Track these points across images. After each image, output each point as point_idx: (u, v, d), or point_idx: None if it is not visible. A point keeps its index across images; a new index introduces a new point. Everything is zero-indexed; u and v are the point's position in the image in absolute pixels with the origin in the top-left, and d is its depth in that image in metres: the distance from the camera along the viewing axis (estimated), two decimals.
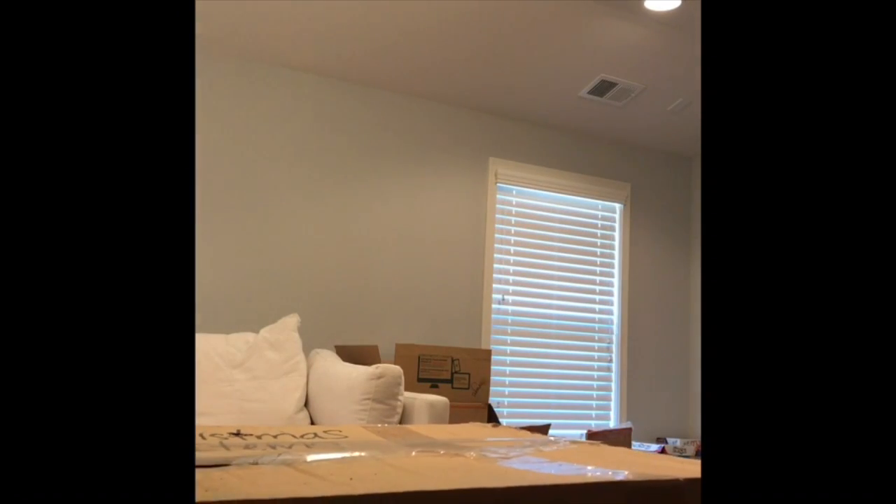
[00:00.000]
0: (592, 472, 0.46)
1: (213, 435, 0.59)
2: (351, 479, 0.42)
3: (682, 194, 4.62)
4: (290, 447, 0.55)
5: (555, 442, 0.64)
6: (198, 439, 0.57)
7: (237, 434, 0.60)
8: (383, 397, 2.43)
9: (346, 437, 0.62)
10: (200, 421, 2.63)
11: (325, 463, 0.46)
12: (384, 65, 3.51)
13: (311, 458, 0.46)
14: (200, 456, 0.50)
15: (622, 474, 0.44)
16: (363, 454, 0.47)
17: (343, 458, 0.47)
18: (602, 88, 3.79)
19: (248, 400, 2.79)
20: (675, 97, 3.90)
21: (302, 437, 0.61)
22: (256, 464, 0.45)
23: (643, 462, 0.56)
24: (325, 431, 0.64)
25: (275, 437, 0.59)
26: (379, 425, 0.84)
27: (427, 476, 0.44)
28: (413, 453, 0.50)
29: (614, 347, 4.25)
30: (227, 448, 0.54)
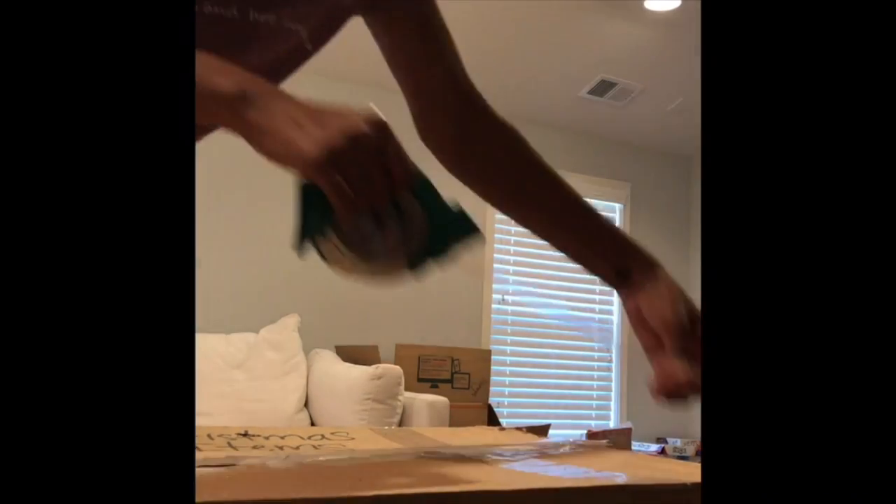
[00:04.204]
0: (598, 475, 0.46)
1: (220, 435, 0.59)
2: (359, 480, 0.42)
3: (682, 194, 4.62)
4: (297, 448, 0.55)
5: (561, 444, 0.64)
6: (205, 439, 0.57)
7: (245, 434, 0.60)
8: (383, 397, 2.43)
9: (353, 438, 0.63)
10: (200, 421, 2.62)
11: (333, 464, 0.46)
12: (384, 65, 3.51)
13: (318, 459, 0.47)
14: (207, 455, 0.50)
15: (627, 478, 0.44)
16: (370, 456, 0.47)
17: (350, 460, 0.47)
18: (602, 88, 3.79)
19: (248, 400, 2.79)
20: (675, 97, 3.90)
21: (309, 438, 0.61)
22: (264, 464, 0.45)
23: (649, 465, 0.56)
24: (332, 433, 0.64)
25: (282, 437, 0.59)
26: (385, 427, 0.84)
27: (433, 479, 0.44)
28: (419, 456, 0.50)
29: (614, 347, 4.25)
30: (234, 448, 0.54)
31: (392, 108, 3.10)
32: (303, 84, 3.27)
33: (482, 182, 0.84)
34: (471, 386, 2.99)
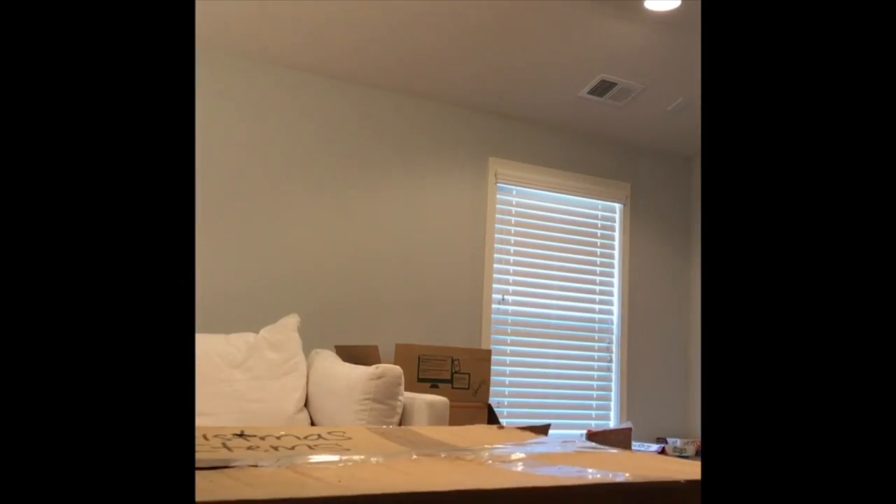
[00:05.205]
0: (593, 474, 0.46)
1: (216, 436, 0.59)
2: (350, 479, 0.42)
3: (682, 194, 4.62)
4: (292, 448, 0.55)
5: (557, 443, 0.64)
6: (200, 440, 0.57)
7: (241, 435, 0.60)
8: (383, 397, 2.43)
9: (350, 438, 0.62)
10: (200, 421, 2.63)
11: (325, 465, 0.46)
12: (384, 65, 3.51)
13: (312, 459, 0.47)
14: (201, 457, 0.50)
15: (623, 476, 0.44)
16: (364, 456, 0.47)
17: (344, 460, 0.47)
18: (602, 88, 3.79)
19: (248, 400, 2.79)
20: (675, 97, 3.90)
21: (305, 438, 0.61)
22: (256, 466, 0.45)
23: (644, 464, 0.56)
24: (328, 433, 0.64)
25: (278, 437, 0.59)
26: (383, 427, 0.84)
27: (426, 478, 0.44)
28: (414, 455, 0.50)
29: (614, 347, 4.25)
30: (229, 449, 0.54)
31: (391, 107, 3.14)
32: (303, 84, 3.27)
33: None
34: (471, 386, 2.99)
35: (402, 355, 2.93)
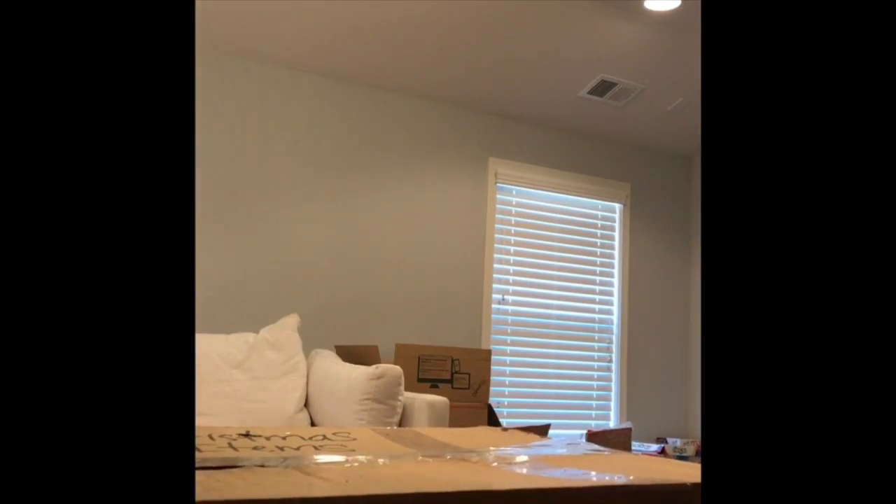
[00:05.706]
0: (598, 476, 0.46)
1: (221, 436, 0.59)
2: (357, 480, 0.42)
3: (682, 194, 4.62)
4: (298, 448, 0.55)
5: (562, 445, 0.64)
6: (206, 440, 0.57)
7: (246, 435, 0.60)
8: (383, 397, 2.43)
9: (355, 439, 0.62)
10: (200, 421, 2.63)
11: (332, 465, 0.46)
12: (384, 65, 3.51)
13: (318, 460, 0.47)
14: (207, 457, 0.50)
15: (628, 479, 0.44)
16: (371, 457, 0.47)
17: (350, 461, 0.47)
18: (602, 88, 3.79)
19: (248, 400, 2.79)
20: (675, 97, 3.90)
21: (310, 438, 0.61)
22: (263, 466, 0.45)
23: (650, 467, 0.56)
24: (333, 433, 0.64)
25: (283, 438, 0.59)
26: (387, 428, 0.84)
27: (431, 478, 0.44)
28: (420, 457, 0.50)
29: (614, 347, 4.25)
30: (235, 449, 0.54)
31: (391, 107, 3.15)
32: (303, 84, 3.27)
33: None
34: (471, 386, 2.99)
35: (402, 355, 2.94)
